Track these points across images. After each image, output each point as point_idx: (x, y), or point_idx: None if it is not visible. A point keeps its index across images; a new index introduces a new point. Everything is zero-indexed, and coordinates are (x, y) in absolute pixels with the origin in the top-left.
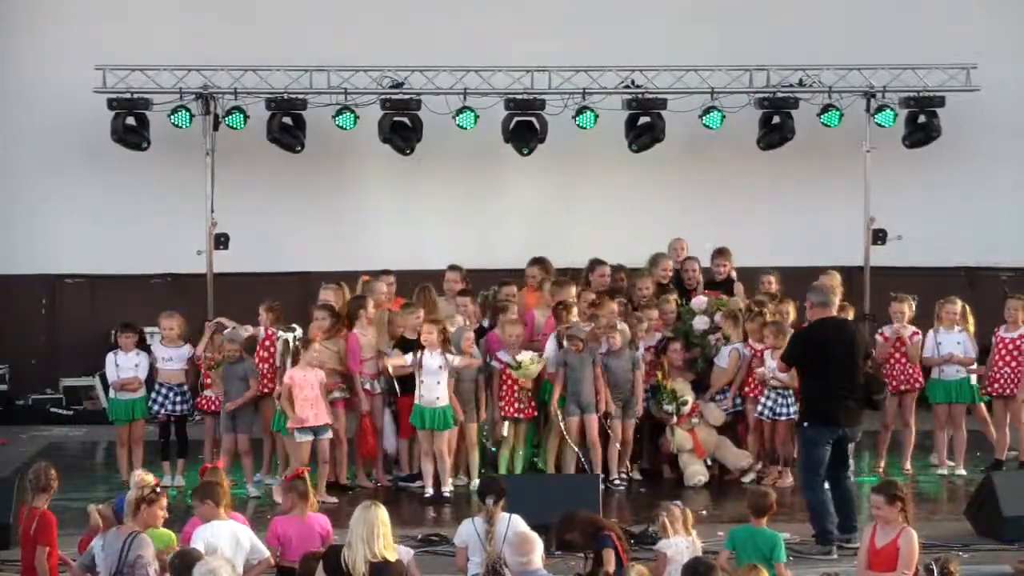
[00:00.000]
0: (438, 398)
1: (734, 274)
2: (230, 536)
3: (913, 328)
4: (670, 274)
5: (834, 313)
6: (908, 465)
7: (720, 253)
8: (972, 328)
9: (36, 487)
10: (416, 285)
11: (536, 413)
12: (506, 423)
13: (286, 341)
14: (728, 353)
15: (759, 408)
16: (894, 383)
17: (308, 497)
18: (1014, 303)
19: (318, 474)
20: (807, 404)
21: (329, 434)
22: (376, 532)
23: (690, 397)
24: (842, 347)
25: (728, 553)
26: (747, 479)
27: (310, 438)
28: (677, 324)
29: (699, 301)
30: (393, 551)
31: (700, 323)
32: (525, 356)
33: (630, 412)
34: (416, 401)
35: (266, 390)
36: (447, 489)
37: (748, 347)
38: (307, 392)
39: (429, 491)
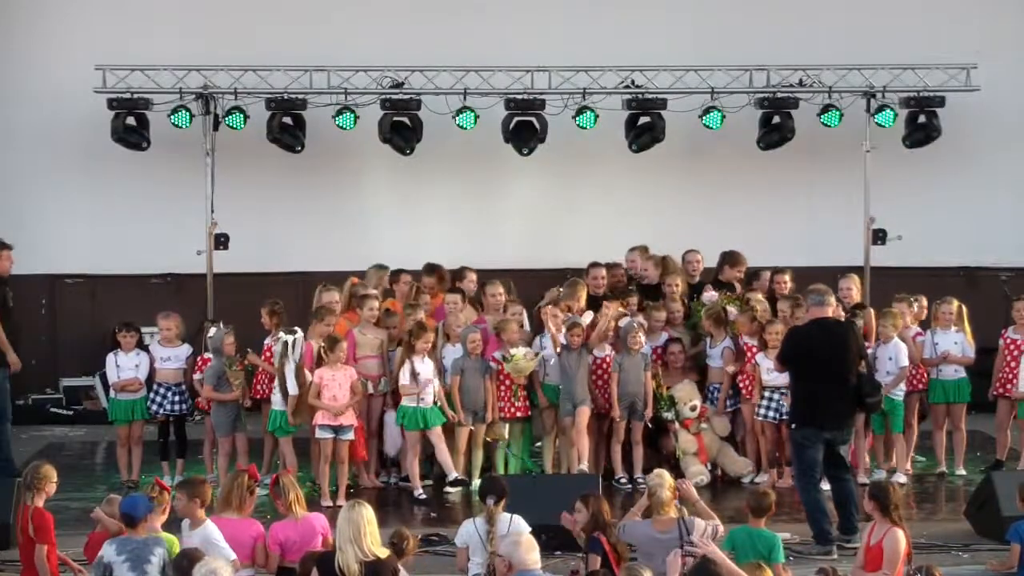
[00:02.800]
0: (422, 399)
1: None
2: (202, 543)
3: (916, 329)
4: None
5: (829, 314)
6: (908, 465)
7: (732, 257)
8: (968, 328)
9: (24, 485)
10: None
11: (530, 413)
12: (506, 425)
13: (285, 343)
14: (722, 353)
15: (762, 410)
16: None
17: (300, 498)
18: (1021, 304)
19: (338, 473)
20: (794, 405)
21: (351, 435)
22: (363, 531)
23: (697, 400)
24: (832, 348)
25: (726, 553)
26: (746, 479)
27: (330, 436)
28: (686, 323)
29: (710, 296)
30: (382, 547)
31: (707, 298)
32: (519, 351)
33: (637, 413)
34: (410, 405)
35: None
36: (452, 477)
37: (741, 341)
38: (335, 391)
39: (420, 492)
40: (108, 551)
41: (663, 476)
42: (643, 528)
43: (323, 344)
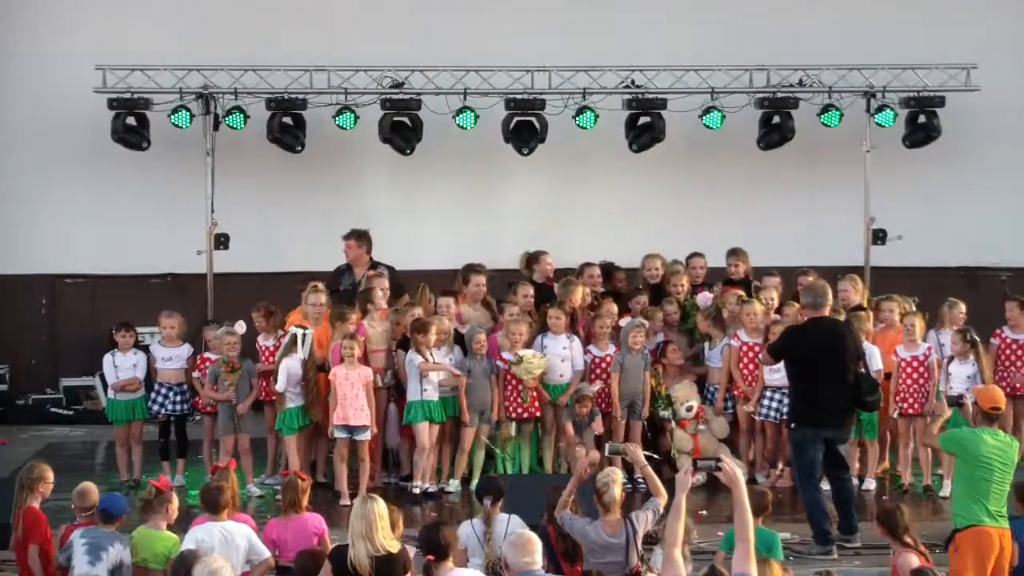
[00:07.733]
0: (425, 391)
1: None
2: (221, 537)
3: None
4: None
5: (826, 314)
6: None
7: (734, 253)
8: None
9: (19, 486)
10: (415, 285)
11: (540, 413)
12: (512, 424)
13: (294, 336)
14: (721, 352)
15: (763, 410)
16: None
17: (300, 499)
18: (1012, 304)
19: (359, 471)
20: (794, 405)
21: (367, 435)
22: (375, 526)
23: (695, 401)
24: (831, 348)
25: (724, 554)
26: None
27: (346, 436)
28: (681, 324)
29: (704, 297)
30: (393, 541)
31: (701, 300)
32: (527, 352)
33: (636, 413)
34: (414, 399)
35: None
36: (451, 486)
37: (735, 338)
38: (346, 390)
39: (418, 487)
40: (75, 535)
41: (614, 473)
42: (594, 532)
43: (341, 340)
